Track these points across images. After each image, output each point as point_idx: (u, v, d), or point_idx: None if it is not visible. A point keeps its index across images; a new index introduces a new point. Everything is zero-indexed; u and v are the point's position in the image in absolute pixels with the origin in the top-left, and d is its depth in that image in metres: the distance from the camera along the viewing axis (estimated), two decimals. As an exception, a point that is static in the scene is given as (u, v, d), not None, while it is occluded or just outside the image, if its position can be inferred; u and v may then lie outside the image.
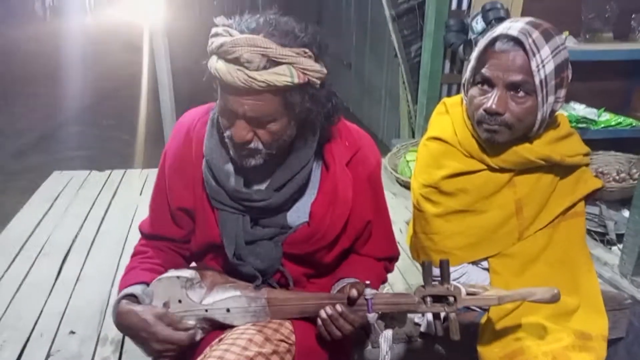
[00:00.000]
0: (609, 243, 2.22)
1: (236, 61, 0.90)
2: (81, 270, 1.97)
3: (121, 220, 2.37)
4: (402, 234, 2.17)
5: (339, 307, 1.04)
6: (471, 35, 2.84)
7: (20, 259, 2.04)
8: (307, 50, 0.93)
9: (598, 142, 2.78)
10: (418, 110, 3.34)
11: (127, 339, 1.53)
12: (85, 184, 2.77)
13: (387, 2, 3.47)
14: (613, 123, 2.89)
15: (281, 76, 0.91)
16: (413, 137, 3.53)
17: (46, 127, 6.07)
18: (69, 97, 7.41)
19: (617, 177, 2.73)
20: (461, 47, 2.95)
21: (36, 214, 2.40)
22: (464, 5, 3.11)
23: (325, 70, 0.97)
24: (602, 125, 2.87)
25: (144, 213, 1.24)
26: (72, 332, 1.62)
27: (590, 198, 1.42)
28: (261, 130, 0.98)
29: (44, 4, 26.99)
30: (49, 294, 1.82)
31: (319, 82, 0.97)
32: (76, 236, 2.22)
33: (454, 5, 3.11)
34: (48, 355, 1.55)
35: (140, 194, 2.65)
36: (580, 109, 2.90)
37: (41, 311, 1.72)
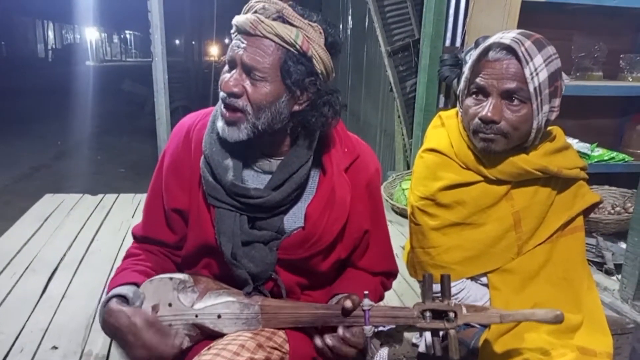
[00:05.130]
0: (607, 273, 2.20)
1: (253, 10, 0.97)
2: (68, 287, 1.92)
3: (111, 240, 2.33)
4: (398, 259, 2.13)
5: (334, 323, 1.00)
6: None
7: (6, 275, 1.99)
8: (319, 26, 0.97)
9: (592, 176, 2.80)
10: (413, 143, 3.38)
11: (111, 354, 1.48)
12: (76, 206, 2.74)
13: (383, 39, 3.59)
14: (606, 158, 2.93)
15: (287, 32, 0.95)
16: (408, 169, 3.54)
17: (41, 160, 6.09)
18: (66, 132, 7.49)
19: (612, 211, 2.74)
20: (455, 81, 3.02)
21: (25, 232, 2.36)
22: (458, 42, 3.21)
23: (331, 63, 1.01)
24: (596, 160, 2.91)
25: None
26: (55, 348, 1.55)
27: (589, 213, 1.41)
28: (252, 87, 0.97)
29: (47, 46, 27.74)
30: (33, 310, 1.76)
31: (322, 68, 0.99)
32: (65, 254, 2.18)
33: (447, 42, 3.20)
34: (27, 371, 1.48)
35: (133, 217, 2.62)
36: (573, 143, 2.94)
37: (23, 326, 1.66)
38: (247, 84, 0.97)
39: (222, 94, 1.00)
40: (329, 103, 1.03)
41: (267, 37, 0.95)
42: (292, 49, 0.96)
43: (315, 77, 0.99)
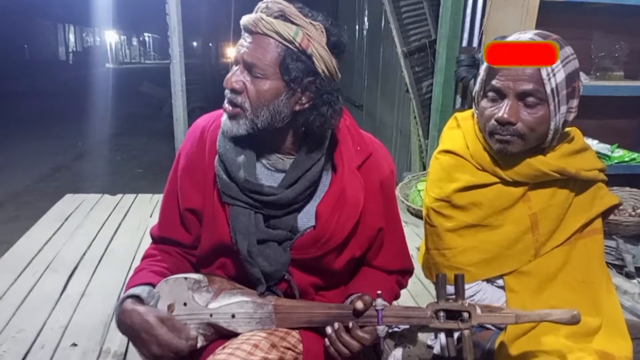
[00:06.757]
0: (627, 276, 2.16)
1: (257, 10, 0.99)
2: (87, 286, 1.96)
3: (130, 240, 2.37)
4: (413, 259, 2.13)
5: (347, 323, 1.00)
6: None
7: (27, 274, 2.03)
8: (321, 25, 0.98)
9: (612, 177, 2.75)
10: (429, 144, 3.36)
11: (129, 352, 1.50)
12: (96, 207, 2.79)
13: (399, 40, 3.57)
14: (627, 159, 2.88)
15: (286, 29, 0.96)
16: (424, 170, 3.52)
17: (61, 160, 6.19)
18: (86, 134, 7.62)
19: (633, 213, 2.69)
20: (472, 81, 3.00)
21: (46, 233, 2.41)
22: (475, 43, 3.18)
23: (333, 63, 1.01)
24: (616, 161, 2.86)
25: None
26: (74, 345, 1.59)
27: (608, 215, 1.38)
28: (252, 86, 0.99)
29: (68, 49, 28.26)
30: (53, 308, 1.80)
31: (323, 66, 0.99)
32: (84, 254, 2.22)
33: (464, 43, 3.18)
34: (48, 367, 1.52)
35: (151, 216, 2.65)
36: (593, 144, 2.90)
37: (44, 324, 1.70)
38: (248, 80, 0.99)
39: (225, 90, 1.03)
40: (328, 103, 1.03)
41: (267, 35, 0.96)
42: (291, 46, 0.97)
43: (315, 77, 1.00)
